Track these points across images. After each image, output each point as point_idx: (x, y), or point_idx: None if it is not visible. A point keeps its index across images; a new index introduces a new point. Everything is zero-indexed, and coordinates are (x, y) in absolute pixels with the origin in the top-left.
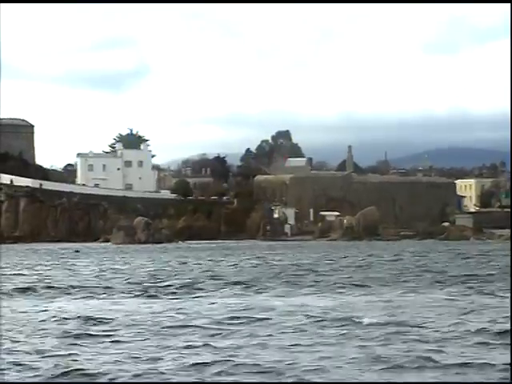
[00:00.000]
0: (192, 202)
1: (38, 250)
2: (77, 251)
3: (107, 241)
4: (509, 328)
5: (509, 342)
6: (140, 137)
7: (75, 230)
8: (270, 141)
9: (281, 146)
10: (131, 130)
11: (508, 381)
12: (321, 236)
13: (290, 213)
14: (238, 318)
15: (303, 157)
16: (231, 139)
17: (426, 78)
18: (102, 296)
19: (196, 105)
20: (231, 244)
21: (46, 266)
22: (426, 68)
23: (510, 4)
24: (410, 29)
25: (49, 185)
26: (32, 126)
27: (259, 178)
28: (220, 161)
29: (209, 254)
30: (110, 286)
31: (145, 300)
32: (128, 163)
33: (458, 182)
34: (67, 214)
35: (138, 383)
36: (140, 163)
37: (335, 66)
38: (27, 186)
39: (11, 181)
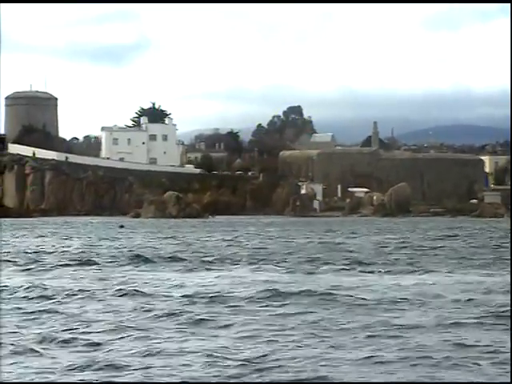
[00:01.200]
0: (217, 176)
1: (75, 222)
2: (121, 226)
3: (138, 215)
4: None
5: None
6: (162, 111)
7: (101, 204)
8: (282, 116)
9: (293, 121)
10: (153, 104)
11: (508, 381)
12: (351, 212)
13: (318, 189)
14: None
15: (315, 132)
16: (232, 114)
17: (427, 54)
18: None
19: (196, 79)
20: (268, 219)
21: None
22: (427, 44)
23: (510, 4)
24: (412, 5)
25: (74, 158)
26: (55, 99)
27: (284, 153)
28: (233, 136)
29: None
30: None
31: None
32: (152, 137)
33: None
34: (93, 188)
35: (135, 383)
36: (164, 137)
37: (336, 43)
38: (53, 159)
39: (33, 153)
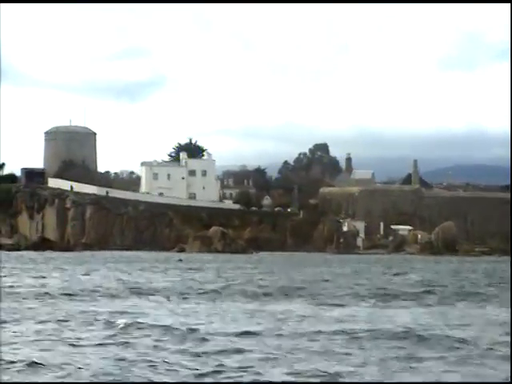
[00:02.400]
0: (256, 212)
1: (130, 257)
2: (180, 260)
3: (182, 250)
4: None
5: None
6: (199, 146)
7: (141, 239)
8: (308, 153)
9: (319, 158)
10: (190, 140)
11: (508, 381)
12: (395, 250)
13: (360, 226)
14: None
15: (341, 170)
16: (247, 151)
17: (442, 94)
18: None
19: (211, 116)
20: (314, 256)
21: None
22: (441, 84)
23: (510, 4)
24: (426, 45)
25: (114, 193)
26: (94, 134)
27: (324, 189)
28: (260, 172)
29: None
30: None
31: None
32: (192, 172)
33: None
34: (133, 223)
35: (138, 383)
36: (204, 172)
37: (350, 80)
38: (93, 194)
39: (71, 187)
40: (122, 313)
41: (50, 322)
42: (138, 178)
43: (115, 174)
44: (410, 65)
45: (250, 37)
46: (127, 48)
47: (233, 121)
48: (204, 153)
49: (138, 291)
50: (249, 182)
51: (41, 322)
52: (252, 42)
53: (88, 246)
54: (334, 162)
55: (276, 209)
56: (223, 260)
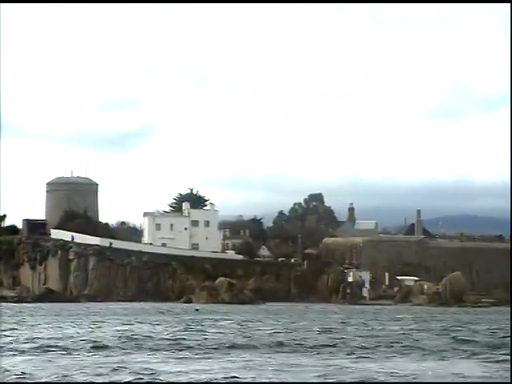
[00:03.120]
0: (260, 263)
1: (138, 308)
2: (197, 310)
3: (189, 300)
4: None
5: None
6: (200, 196)
7: (144, 289)
8: (303, 203)
9: (314, 208)
10: (191, 190)
11: (508, 381)
12: (402, 301)
13: (365, 276)
14: None
15: (337, 220)
16: (236, 201)
17: (429, 144)
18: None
19: (199, 166)
20: (326, 307)
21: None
22: (429, 134)
23: (509, 4)
24: (415, 94)
25: (117, 243)
26: (96, 185)
27: (327, 240)
28: (256, 222)
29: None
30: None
31: None
32: (195, 223)
33: None
34: (136, 273)
35: (136, 383)
36: (206, 223)
37: (337, 129)
38: (96, 245)
39: (72, 238)
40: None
41: None
42: (137, 229)
43: (117, 224)
44: (398, 115)
45: (240, 85)
46: (117, 99)
47: (221, 170)
48: (206, 203)
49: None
50: (245, 232)
51: None
52: (242, 90)
53: (91, 297)
54: (329, 212)
55: (279, 259)
56: (240, 311)
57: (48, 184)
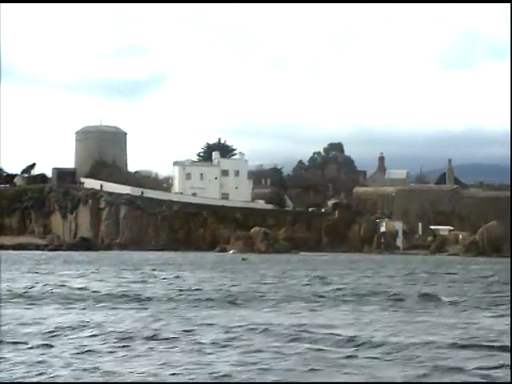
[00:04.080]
0: (290, 212)
1: (181, 258)
2: (243, 259)
3: (224, 250)
4: None
5: None
6: (228, 146)
7: (175, 238)
8: (322, 153)
9: (333, 157)
10: (219, 140)
11: (508, 381)
12: (438, 251)
13: (398, 226)
14: None
15: (357, 170)
16: (248, 150)
17: (440, 92)
18: None
19: (208, 114)
20: (361, 257)
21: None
22: (440, 83)
23: (509, 4)
24: (426, 43)
25: (148, 193)
26: (125, 134)
27: (358, 189)
28: (277, 172)
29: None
30: None
31: None
32: (225, 172)
33: None
34: (167, 223)
35: (137, 383)
36: (236, 172)
37: (349, 78)
38: (127, 194)
39: (101, 186)
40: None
41: None
42: (166, 178)
43: (145, 173)
44: (409, 63)
45: (251, 34)
46: (127, 46)
47: (228, 119)
48: (234, 152)
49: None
50: (266, 182)
51: None
52: (253, 39)
53: (123, 246)
54: (349, 161)
55: (310, 209)
56: (291, 261)
57: (77, 133)
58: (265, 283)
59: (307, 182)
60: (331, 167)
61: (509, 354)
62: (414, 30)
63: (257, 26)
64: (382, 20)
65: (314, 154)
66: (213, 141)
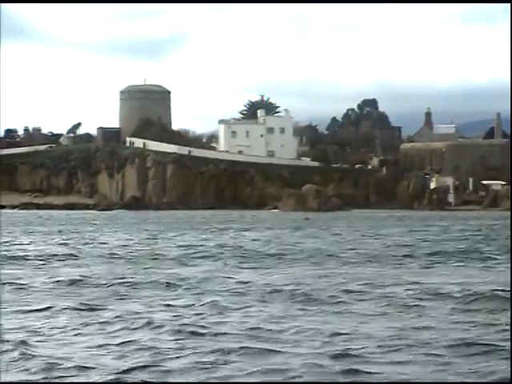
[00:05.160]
0: (337, 169)
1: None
2: (307, 219)
3: (275, 208)
4: None
5: None
6: (271, 103)
7: (222, 197)
8: (356, 109)
9: (368, 114)
10: (262, 97)
11: (508, 381)
12: (490, 206)
13: (449, 182)
14: None
15: (391, 126)
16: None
17: (463, 48)
18: None
19: (233, 73)
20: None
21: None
22: (463, 37)
23: (510, 4)
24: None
25: (194, 151)
26: (169, 92)
27: (405, 145)
28: (312, 129)
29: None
30: None
31: None
32: (270, 130)
33: None
34: (214, 181)
35: (139, 383)
36: (282, 130)
37: (371, 36)
38: (174, 153)
39: (144, 144)
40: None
41: None
42: (208, 136)
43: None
44: (433, 18)
45: None
46: (143, 8)
47: (253, 77)
48: (277, 110)
49: None
50: (302, 139)
51: None
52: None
53: (170, 205)
54: (384, 118)
55: (356, 165)
56: (345, 217)
57: (121, 92)
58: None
59: (342, 139)
60: (366, 124)
61: None
62: None
63: None
64: None
65: (348, 110)
66: (240, 99)
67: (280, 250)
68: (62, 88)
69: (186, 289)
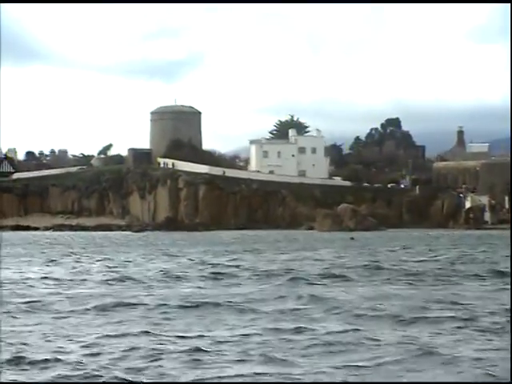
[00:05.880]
0: (369, 189)
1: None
2: (352, 238)
3: (311, 228)
4: None
5: None
6: (301, 123)
7: (254, 217)
8: (380, 128)
9: (391, 133)
10: (292, 117)
11: (508, 381)
12: None
13: (484, 201)
14: None
15: (415, 145)
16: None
17: (475, 66)
18: None
19: (247, 94)
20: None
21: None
22: (473, 56)
23: (510, 4)
24: (461, 18)
25: (228, 172)
26: (199, 113)
27: (437, 164)
28: (337, 149)
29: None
30: None
31: None
32: (302, 149)
33: None
34: (246, 202)
35: (134, 382)
36: (313, 150)
37: (385, 56)
38: (206, 173)
39: (173, 164)
40: None
41: None
42: (237, 157)
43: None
44: (444, 37)
45: (287, 14)
46: (162, 28)
47: (267, 98)
48: (307, 129)
49: None
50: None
51: None
52: (289, 19)
53: (203, 226)
54: (407, 137)
55: (389, 185)
56: (391, 237)
57: (152, 113)
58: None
59: (367, 158)
60: (389, 143)
61: None
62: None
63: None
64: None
65: (372, 129)
66: (255, 120)
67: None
68: (88, 110)
69: None
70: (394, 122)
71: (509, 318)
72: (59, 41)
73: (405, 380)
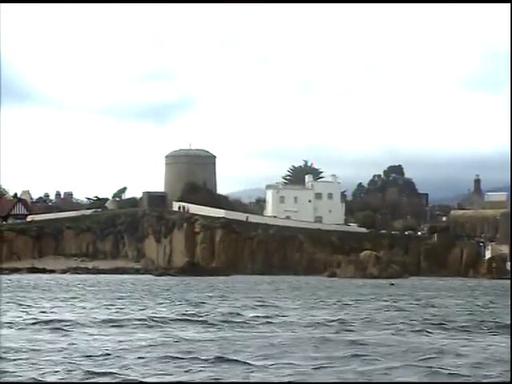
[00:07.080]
0: (387, 236)
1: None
2: (392, 284)
3: (333, 274)
4: None
5: None
6: (316, 169)
7: (271, 262)
8: (382, 175)
9: (394, 180)
10: (306, 162)
11: (508, 380)
12: None
13: (505, 250)
14: None
15: (417, 192)
16: (276, 173)
17: (467, 115)
18: None
19: (238, 138)
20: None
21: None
22: (465, 105)
23: (509, 4)
24: (453, 66)
25: (243, 217)
26: (214, 157)
27: (455, 212)
28: (342, 196)
29: None
30: None
31: None
32: (318, 195)
33: None
34: (263, 246)
35: (133, 383)
36: (330, 195)
37: (376, 101)
38: (222, 217)
39: (186, 209)
40: None
41: None
42: (250, 201)
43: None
44: (435, 85)
45: (275, 57)
46: (154, 70)
47: (259, 142)
48: (321, 175)
49: None
50: None
51: None
52: (277, 64)
53: (223, 270)
54: (410, 184)
55: (406, 232)
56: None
57: (167, 157)
58: None
59: (371, 205)
60: (392, 190)
61: None
62: (440, 51)
63: (281, 51)
64: (408, 43)
65: (374, 176)
66: (250, 164)
67: None
68: (106, 154)
69: None
70: (397, 169)
71: None
72: (53, 84)
73: None
